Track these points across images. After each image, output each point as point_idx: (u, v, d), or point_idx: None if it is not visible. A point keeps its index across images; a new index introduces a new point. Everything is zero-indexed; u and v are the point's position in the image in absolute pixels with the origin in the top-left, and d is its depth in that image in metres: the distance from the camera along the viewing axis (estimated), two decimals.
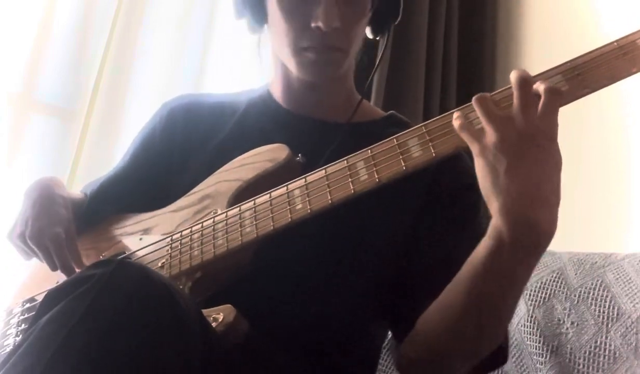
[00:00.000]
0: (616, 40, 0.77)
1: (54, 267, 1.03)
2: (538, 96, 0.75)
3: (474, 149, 0.77)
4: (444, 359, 0.92)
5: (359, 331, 1.03)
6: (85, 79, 1.83)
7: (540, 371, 1.15)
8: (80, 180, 1.75)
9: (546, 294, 1.20)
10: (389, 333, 1.09)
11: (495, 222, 0.77)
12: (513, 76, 0.76)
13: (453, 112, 0.82)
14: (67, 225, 1.05)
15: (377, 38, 1.11)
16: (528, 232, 0.75)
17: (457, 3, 2.21)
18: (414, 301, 0.96)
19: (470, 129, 0.78)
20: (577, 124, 1.77)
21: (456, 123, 0.79)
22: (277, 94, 1.13)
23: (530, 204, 0.74)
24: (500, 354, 0.96)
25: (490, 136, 0.75)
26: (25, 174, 1.73)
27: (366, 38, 1.10)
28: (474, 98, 0.77)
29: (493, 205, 0.76)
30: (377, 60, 1.22)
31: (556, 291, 1.19)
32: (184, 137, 1.14)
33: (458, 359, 0.91)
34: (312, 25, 0.97)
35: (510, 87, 0.78)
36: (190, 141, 1.13)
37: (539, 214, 0.74)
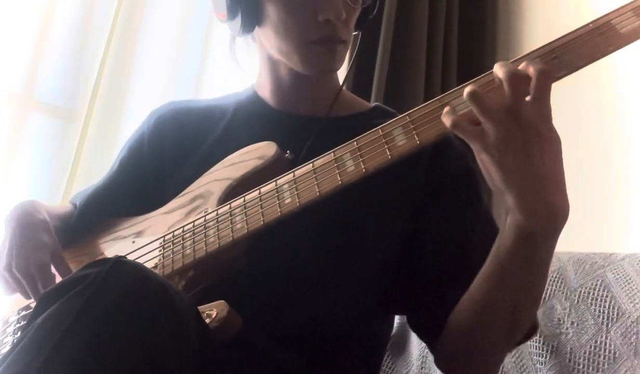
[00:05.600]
0: (591, 22, 0.77)
1: (37, 297, 0.99)
2: (527, 79, 0.74)
3: (475, 146, 0.76)
4: (483, 348, 0.93)
5: (358, 327, 1.03)
6: (85, 79, 1.83)
7: (540, 371, 1.15)
8: (80, 180, 1.75)
9: (546, 294, 1.20)
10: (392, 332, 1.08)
11: (513, 217, 0.78)
12: (501, 72, 0.74)
13: (435, 101, 0.82)
14: (52, 249, 1.03)
15: (356, 32, 1.11)
16: (547, 219, 0.76)
17: None
18: (438, 298, 0.97)
19: (466, 126, 0.76)
20: (577, 124, 1.77)
21: (447, 120, 0.76)
22: (265, 93, 1.13)
23: (543, 193, 0.75)
24: (535, 325, 0.97)
25: (493, 132, 0.74)
26: (25, 174, 1.74)
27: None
28: (466, 95, 0.75)
29: (508, 201, 0.77)
30: (352, 57, 1.22)
31: (556, 291, 1.19)
32: (174, 142, 1.14)
33: (497, 347, 0.93)
34: (320, 18, 0.98)
35: (490, 73, 0.78)
36: (181, 146, 1.13)
37: (553, 199, 0.76)
